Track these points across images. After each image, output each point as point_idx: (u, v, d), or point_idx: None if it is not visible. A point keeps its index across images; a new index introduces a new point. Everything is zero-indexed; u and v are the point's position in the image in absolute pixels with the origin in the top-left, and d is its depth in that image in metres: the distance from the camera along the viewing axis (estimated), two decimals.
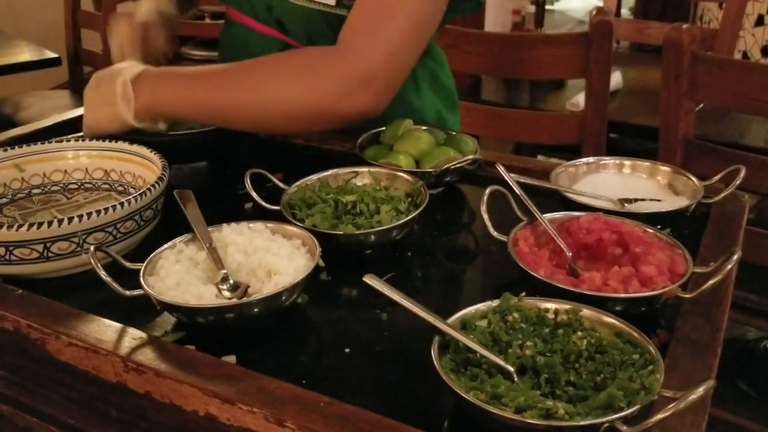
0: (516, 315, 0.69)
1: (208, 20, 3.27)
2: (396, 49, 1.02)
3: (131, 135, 1.06)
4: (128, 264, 0.78)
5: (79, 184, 1.04)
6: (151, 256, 0.79)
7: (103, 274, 0.73)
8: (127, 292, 0.73)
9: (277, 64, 1.05)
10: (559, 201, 0.94)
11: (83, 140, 1.05)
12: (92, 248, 0.75)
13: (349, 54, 1.01)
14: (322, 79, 1.01)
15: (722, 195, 0.92)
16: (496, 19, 4.25)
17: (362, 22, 1.03)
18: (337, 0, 1.10)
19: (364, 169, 1.01)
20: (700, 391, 0.56)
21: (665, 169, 1.00)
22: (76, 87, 3.28)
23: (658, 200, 0.95)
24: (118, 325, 0.71)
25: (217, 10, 3.15)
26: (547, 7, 5.63)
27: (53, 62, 2.78)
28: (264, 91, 1.01)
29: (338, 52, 1.02)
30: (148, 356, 0.67)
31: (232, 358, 0.71)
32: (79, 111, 1.20)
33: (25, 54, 2.86)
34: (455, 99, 1.41)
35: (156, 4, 1.28)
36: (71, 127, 1.20)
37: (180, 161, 1.14)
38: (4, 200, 1.00)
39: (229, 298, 0.76)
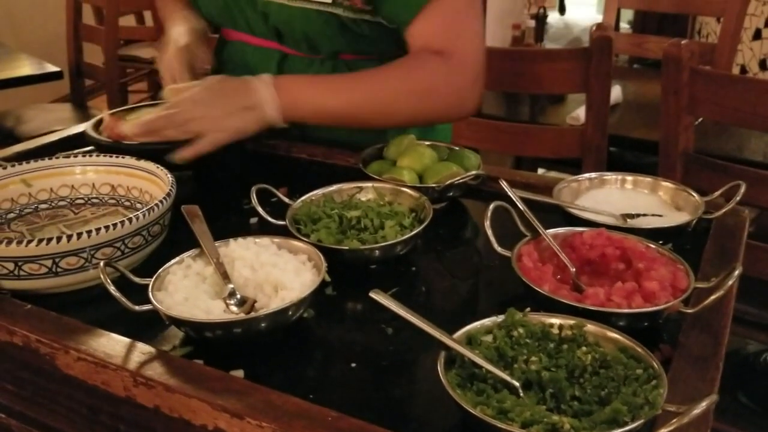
0: (521, 330, 0.69)
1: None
2: (484, 48, 1.16)
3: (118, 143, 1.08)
4: (137, 279, 0.79)
5: (86, 199, 1.05)
6: (160, 271, 0.80)
7: (112, 289, 0.74)
8: (137, 308, 0.74)
9: (406, 75, 1.15)
10: (562, 216, 0.95)
11: (90, 155, 1.06)
12: (102, 264, 0.76)
13: (461, 63, 1.13)
14: (449, 91, 1.15)
15: (723, 211, 0.93)
16: (496, 33, 4.26)
17: (451, 29, 1.13)
18: None
19: (368, 185, 1.02)
20: (703, 405, 0.57)
21: (667, 184, 1.01)
22: (77, 100, 3.30)
23: (660, 215, 0.96)
24: (126, 340, 0.72)
25: None
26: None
27: (55, 76, 2.79)
28: (395, 102, 1.15)
29: (454, 63, 1.13)
30: (157, 371, 0.68)
31: (239, 373, 0.71)
32: (83, 126, 1.20)
33: (26, 68, 2.87)
34: None
35: (188, 25, 1.31)
36: (77, 141, 1.20)
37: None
38: (12, 215, 1.01)
39: (237, 313, 0.77)
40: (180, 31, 1.30)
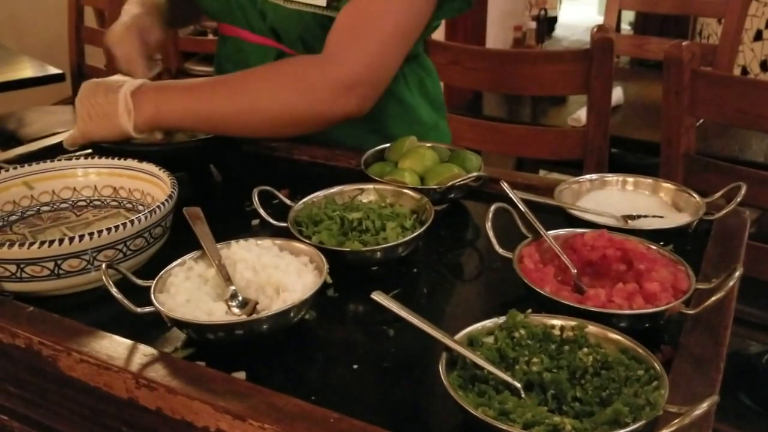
0: (522, 331, 0.70)
1: (210, 36, 3.30)
2: (378, 57, 1.10)
3: (119, 144, 1.10)
4: (139, 281, 0.79)
5: (88, 201, 1.05)
6: (162, 273, 0.80)
7: (114, 291, 0.74)
8: (139, 309, 0.74)
9: (269, 74, 1.11)
10: (563, 217, 0.95)
11: (92, 158, 1.06)
12: (104, 266, 0.76)
13: (334, 63, 1.08)
14: (311, 88, 1.08)
15: (723, 212, 0.93)
16: (497, 35, 4.28)
17: (346, 30, 1.09)
18: (328, 2, 1.13)
19: (370, 186, 1.02)
20: (704, 406, 0.57)
21: (668, 185, 1.01)
22: None
23: (661, 217, 0.96)
24: (129, 342, 0.72)
25: None
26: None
27: (57, 78, 2.80)
28: (258, 101, 1.08)
29: (324, 61, 1.09)
30: (159, 372, 0.68)
31: (241, 374, 0.71)
32: None
33: (28, 70, 2.87)
34: (442, 106, 1.44)
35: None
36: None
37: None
38: (14, 217, 1.01)
39: (239, 315, 0.77)
40: (129, 8, 1.27)
